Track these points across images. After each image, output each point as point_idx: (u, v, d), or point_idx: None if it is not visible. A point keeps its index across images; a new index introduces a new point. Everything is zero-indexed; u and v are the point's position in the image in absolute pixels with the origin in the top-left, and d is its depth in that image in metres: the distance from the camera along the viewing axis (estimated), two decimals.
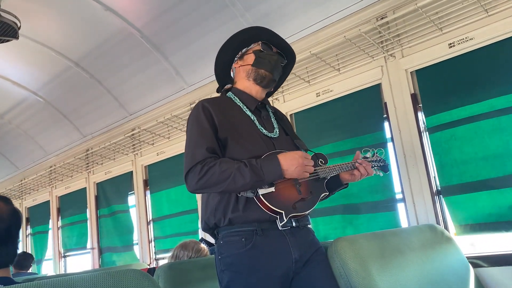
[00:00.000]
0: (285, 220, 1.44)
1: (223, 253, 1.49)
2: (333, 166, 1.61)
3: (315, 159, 1.60)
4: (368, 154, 1.71)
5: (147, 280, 0.94)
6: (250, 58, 1.68)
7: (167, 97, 3.97)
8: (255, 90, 1.68)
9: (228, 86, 1.76)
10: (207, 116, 1.54)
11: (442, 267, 1.92)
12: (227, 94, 1.72)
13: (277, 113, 1.79)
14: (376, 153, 1.72)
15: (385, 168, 1.75)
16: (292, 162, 1.44)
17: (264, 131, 1.61)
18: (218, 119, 1.54)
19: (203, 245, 2.45)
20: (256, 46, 1.70)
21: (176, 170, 3.99)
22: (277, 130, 1.67)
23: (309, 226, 1.62)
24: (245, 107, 1.65)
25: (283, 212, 1.44)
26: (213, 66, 1.78)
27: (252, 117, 1.63)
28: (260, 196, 1.43)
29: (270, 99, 3.17)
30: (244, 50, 1.72)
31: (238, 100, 1.67)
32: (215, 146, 1.49)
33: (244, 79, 1.70)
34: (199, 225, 3.77)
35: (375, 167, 1.71)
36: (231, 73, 1.78)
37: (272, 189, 1.45)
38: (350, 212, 2.82)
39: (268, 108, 1.74)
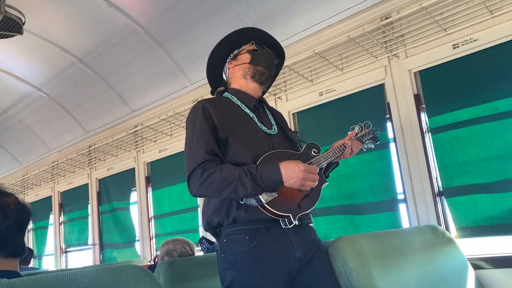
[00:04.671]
0: (294, 222, 1.45)
1: (226, 251, 1.48)
2: (326, 153, 1.62)
3: (308, 149, 1.62)
4: (356, 129, 1.74)
5: (147, 276, 0.95)
6: (245, 57, 1.69)
7: (170, 94, 3.97)
8: (252, 88, 1.69)
9: (221, 88, 1.76)
10: (206, 116, 1.54)
11: (442, 268, 1.92)
12: (223, 95, 1.72)
13: (273, 110, 1.80)
14: (364, 126, 1.75)
15: (375, 138, 1.78)
16: (292, 175, 1.42)
17: (264, 128, 1.62)
18: (217, 118, 1.54)
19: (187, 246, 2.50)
20: (250, 46, 1.72)
21: (178, 167, 3.99)
22: (275, 127, 1.67)
23: (310, 224, 1.63)
24: (243, 105, 1.65)
25: (291, 214, 1.45)
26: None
27: (251, 115, 1.64)
28: (265, 204, 1.44)
29: (273, 98, 3.20)
30: (236, 51, 1.74)
31: (236, 99, 1.67)
32: (214, 147, 1.49)
33: (240, 78, 1.70)
34: (200, 223, 3.77)
35: (366, 141, 1.75)
36: (223, 75, 1.79)
37: (275, 195, 1.45)
38: (351, 212, 2.82)
39: (265, 106, 1.75)
